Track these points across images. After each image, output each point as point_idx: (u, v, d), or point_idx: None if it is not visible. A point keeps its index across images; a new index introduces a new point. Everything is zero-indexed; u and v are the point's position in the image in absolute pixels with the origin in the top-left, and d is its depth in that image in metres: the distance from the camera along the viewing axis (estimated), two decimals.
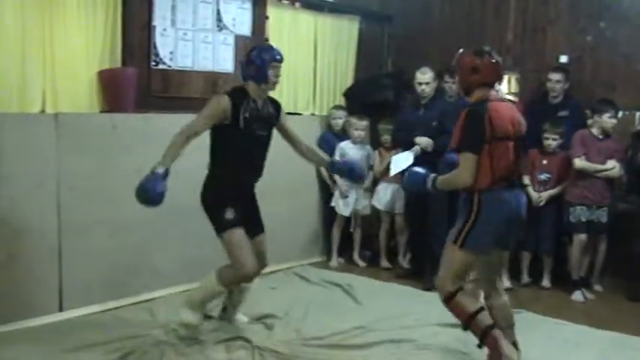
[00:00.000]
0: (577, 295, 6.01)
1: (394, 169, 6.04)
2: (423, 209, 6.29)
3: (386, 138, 6.90)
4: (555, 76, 6.42)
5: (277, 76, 4.49)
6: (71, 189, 4.99)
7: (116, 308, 5.18)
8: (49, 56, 5.03)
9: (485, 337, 4.08)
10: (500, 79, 4.49)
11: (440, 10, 7.65)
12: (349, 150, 6.77)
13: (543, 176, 6.25)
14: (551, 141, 6.19)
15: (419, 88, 6.23)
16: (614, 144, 6.03)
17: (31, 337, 4.53)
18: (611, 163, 5.96)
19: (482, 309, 4.14)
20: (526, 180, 6.29)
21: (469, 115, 3.99)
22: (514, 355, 4.09)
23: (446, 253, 4.18)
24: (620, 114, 6.30)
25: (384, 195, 6.87)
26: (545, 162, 6.27)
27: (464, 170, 3.99)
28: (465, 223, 4.07)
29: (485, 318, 4.11)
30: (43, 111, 4.99)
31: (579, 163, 5.99)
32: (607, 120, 5.95)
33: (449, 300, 4.15)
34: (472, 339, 4.23)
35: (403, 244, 6.94)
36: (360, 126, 6.79)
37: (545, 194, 6.22)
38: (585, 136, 6.04)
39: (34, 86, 4.95)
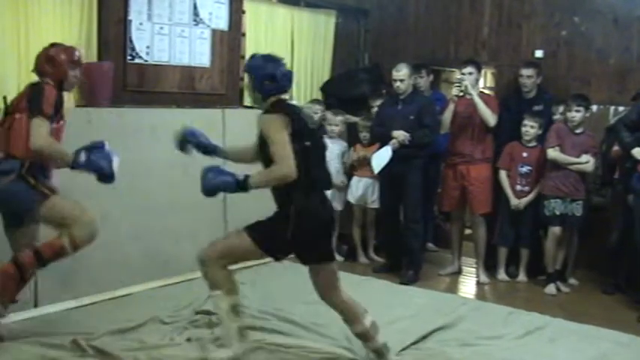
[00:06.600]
0: (550, 289, 6.06)
1: (377, 167, 6.09)
2: (397, 204, 6.39)
3: (365, 135, 6.79)
4: (526, 72, 6.44)
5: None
6: None
7: (91, 304, 5.15)
8: (24, 51, 4.98)
9: None
10: None
11: (416, 4, 7.68)
12: (326, 144, 6.75)
13: (524, 169, 6.26)
14: (529, 128, 6.20)
15: (394, 85, 6.25)
16: (589, 139, 6.03)
17: (6, 333, 4.48)
18: (585, 158, 5.96)
19: None
20: (503, 175, 6.36)
21: None
22: None
23: None
24: (595, 108, 6.35)
25: (357, 189, 6.82)
26: (525, 154, 6.28)
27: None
28: None
29: None
30: None
31: (552, 153, 6.00)
32: (574, 114, 5.95)
33: None
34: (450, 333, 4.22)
35: (372, 238, 7.03)
36: (334, 121, 6.76)
37: (524, 200, 6.25)
38: (561, 128, 6.06)
39: (9, 81, 4.90)
